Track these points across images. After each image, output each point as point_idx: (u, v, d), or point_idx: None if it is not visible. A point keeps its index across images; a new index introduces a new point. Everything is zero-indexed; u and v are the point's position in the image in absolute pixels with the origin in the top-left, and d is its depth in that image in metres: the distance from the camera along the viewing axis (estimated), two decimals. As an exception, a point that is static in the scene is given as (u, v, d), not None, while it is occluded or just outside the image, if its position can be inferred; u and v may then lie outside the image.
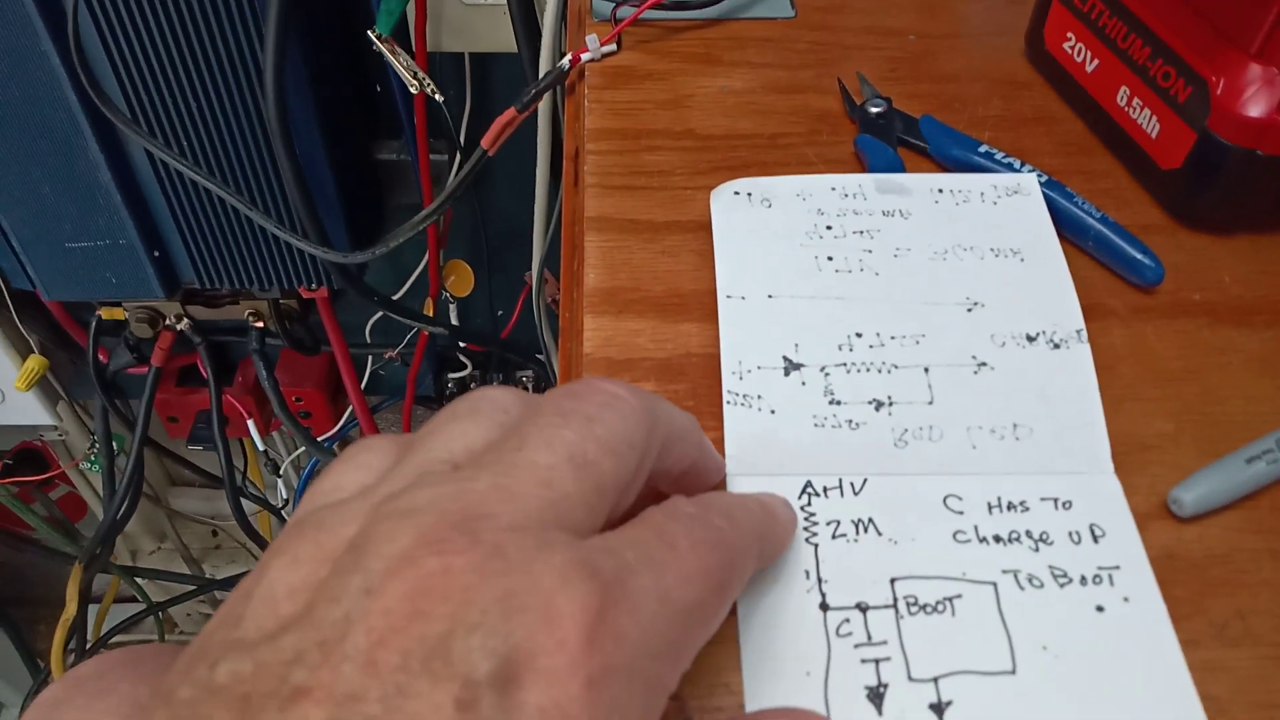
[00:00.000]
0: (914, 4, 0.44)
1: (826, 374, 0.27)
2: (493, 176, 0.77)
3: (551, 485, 0.16)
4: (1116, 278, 0.31)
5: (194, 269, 0.68)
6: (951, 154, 0.35)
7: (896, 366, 0.27)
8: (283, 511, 0.99)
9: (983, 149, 0.35)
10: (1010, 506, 0.24)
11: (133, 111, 0.58)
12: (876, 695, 0.21)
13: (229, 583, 1.09)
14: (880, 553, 0.23)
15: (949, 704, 0.21)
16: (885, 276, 0.29)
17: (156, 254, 0.66)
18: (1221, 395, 0.28)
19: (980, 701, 0.21)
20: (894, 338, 0.27)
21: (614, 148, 0.36)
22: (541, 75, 0.44)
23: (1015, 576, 0.23)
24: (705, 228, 0.31)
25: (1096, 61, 0.37)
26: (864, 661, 0.21)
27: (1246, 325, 0.30)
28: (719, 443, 0.25)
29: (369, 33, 0.56)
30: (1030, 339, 0.27)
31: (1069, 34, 0.38)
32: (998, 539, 0.23)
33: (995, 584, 0.23)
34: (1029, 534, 0.24)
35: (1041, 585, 0.23)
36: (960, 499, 0.24)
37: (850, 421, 0.26)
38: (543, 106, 0.51)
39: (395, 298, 0.77)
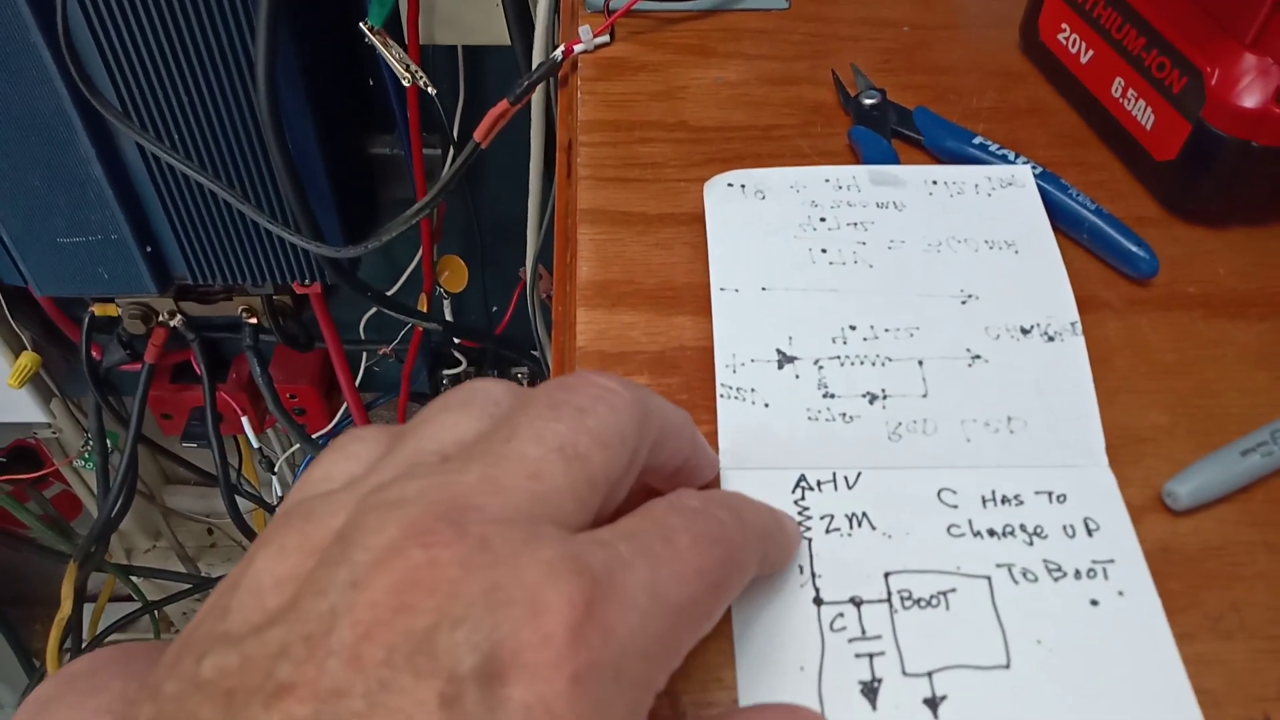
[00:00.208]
0: (908, -4, 0.44)
1: (820, 367, 0.26)
2: (486, 170, 0.76)
3: (540, 477, 0.16)
4: (1111, 270, 0.31)
5: (187, 264, 0.68)
6: (946, 146, 0.35)
7: (890, 359, 0.27)
8: (277, 509, 0.99)
9: (977, 141, 0.34)
10: (1004, 500, 0.24)
11: (124, 105, 0.57)
12: (870, 690, 0.21)
13: (224, 581, 1.09)
14: (874, 547, 0.23)
15: (943, 699, 0.20)
16: (879, 269, 0.29)
17: (149, 249, 0.66)
18: (1216, 388, 0.28)
19: (975, 696, 0.21)
20: (888, 330, 0.27)
21: (607, 140, 0.36)
22: (534, 67, 0.43)
23: (1009, 570, 0.23)
24: (699, 220, 0.31)
25: (1091, 53, 0.36)
26: (858, 656, 0.21)
27: (1241, 317, 0.30)
28: (712, 436, 0.25)
29: (361, 25, 0.56)
30: (1025, 331, 0.27)
31: (1064, 25, 0.38)
32: (992, 533, 0.23)
33: (989, 578, 0.23)
34: (1023, 528, 0.23)
35: (1036, 579, 0.22)
36: (954, 492, 0.24)
37: (844, 415, 0.26)
38: (536, 99, 0.51)
39: (389, 293, 0.76)
